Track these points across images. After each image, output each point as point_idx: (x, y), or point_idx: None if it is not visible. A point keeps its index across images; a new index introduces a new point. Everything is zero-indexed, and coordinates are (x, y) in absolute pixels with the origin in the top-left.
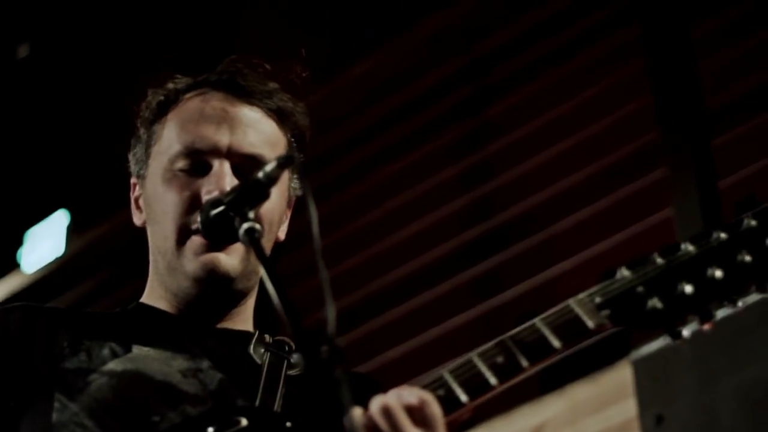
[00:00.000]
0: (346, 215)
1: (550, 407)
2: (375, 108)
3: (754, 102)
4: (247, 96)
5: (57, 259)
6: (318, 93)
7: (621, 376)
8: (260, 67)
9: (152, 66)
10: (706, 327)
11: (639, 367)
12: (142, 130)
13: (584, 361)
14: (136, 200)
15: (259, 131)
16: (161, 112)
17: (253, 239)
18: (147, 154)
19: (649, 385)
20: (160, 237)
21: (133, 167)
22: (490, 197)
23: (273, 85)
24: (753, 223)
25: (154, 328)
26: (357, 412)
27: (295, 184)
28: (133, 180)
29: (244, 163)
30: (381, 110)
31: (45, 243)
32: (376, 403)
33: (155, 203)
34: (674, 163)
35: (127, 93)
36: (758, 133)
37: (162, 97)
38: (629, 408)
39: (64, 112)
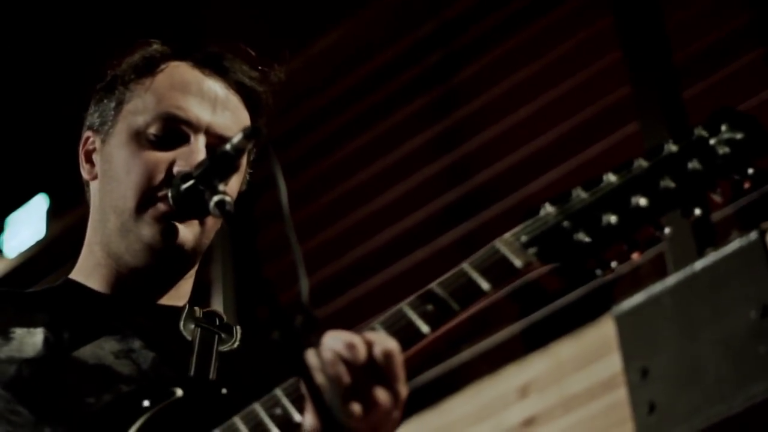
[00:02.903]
0: (321, 187)
1: (535, 366)
2: (345, 79)
3: (721, 53)
4: (230, 81)
5: (38, 243)
6: (288, 65)
7: (604, 331)
8: (244, 53)
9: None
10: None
11: (621, 321)
12: (118, 86)
13: (567, 318)
14: (88, 154)
15: (236, 117)
16: (144, 73)
17: (224, 211)
18: (117, 110)
19: (633, 338)
20: (118, 196)
21: (93, 119)
22: (464, 161)
23: (255, 74)
24: (674, 148)
25: (84, 309)
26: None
27: (247, 176)
28: (87, 133)
29: (218, 144)
30: (351, 81)
31: (26, 227)
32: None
33: (118, 161)
34: (646, 116)
35: (102, 77)
36: (727, 82)
37: (147, 58)
38: (614, 363)
39: (36, 94)
